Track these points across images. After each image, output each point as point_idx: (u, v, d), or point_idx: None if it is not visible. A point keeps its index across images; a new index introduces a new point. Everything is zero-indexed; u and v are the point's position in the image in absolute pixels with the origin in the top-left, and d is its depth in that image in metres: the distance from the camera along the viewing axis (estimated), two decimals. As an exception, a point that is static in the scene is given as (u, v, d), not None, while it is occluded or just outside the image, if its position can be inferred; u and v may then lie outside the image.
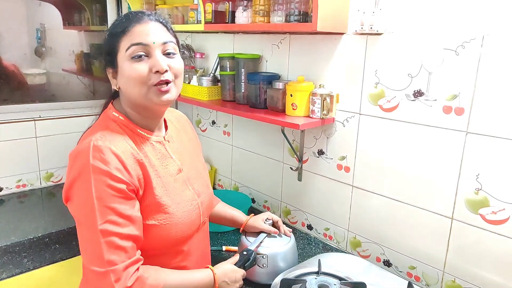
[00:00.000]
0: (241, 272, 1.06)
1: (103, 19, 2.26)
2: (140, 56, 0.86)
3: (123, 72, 0.88)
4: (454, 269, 1.19)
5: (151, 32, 0.87)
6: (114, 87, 0.93)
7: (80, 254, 1.43)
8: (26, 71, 2.09)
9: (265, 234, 1.27)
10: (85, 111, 2.16)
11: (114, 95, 0.99)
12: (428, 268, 1.25)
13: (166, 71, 0.87)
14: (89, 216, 0.80)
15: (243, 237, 1.27)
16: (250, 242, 1.22)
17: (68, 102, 2.15)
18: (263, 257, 1.19)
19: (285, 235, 1.29)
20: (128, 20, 0.88)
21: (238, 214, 1.31)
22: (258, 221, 1.28)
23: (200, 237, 1.07)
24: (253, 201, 1.87)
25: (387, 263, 1.37)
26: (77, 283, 1.04)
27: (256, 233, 1.28)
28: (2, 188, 1.94)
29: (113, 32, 0.89)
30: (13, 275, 1.49)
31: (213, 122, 2.02)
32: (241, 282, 1.06)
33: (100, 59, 0.94)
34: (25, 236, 1.53)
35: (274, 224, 1.31)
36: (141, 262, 0.86)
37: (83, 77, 2.34)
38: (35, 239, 1.55)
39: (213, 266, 1.02)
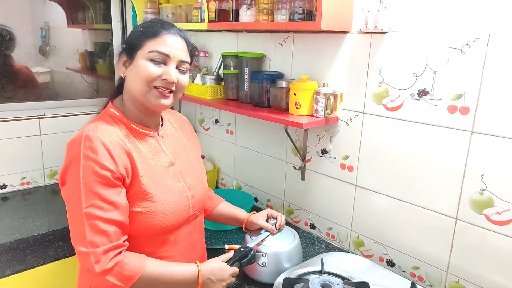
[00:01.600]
0: (230, 270, 1.05)
1: (107, 17, 2.27)
2: (157, 61, 0.95)
3: (136, 67, 0.95)
4: (458, 270, 1.18)
5: (175, 46, 0.97)
6: (120, 74, 1.00)
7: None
8: (31, 70, 2.10)
9: (268, 233, 1.26)
10: (89, 109, 2.17)
11: (114, 95, 1.06)
12: (431, 268, 1.25)
13: (173, 82, 0.96)
14: (75, 199, 0.87)
15: (247, 235, 1.27)
16: (252, 240, 1.22)
17: (72, 100, 2.16)
18: (262, 255, 1.18)
19: (278, 228, 1.28)
20: (162, 27, 0.97)
21: (240, 212, 1.32)
22: (258, 218, 1.29)
23: (189, 229, 1.09)
24: (256, 200, 1.87)
25: (390, 263, 1.36)
26: (80, 281, 1.04)
27: (260, 231, 1.27)
28: (6, 185, 1.95)
29: (145, 31, 0.97)
30: (17, 272, 1.50)
31: (216, 121, 2.02)
32: (230, 281, 1.05)
33: (122, 44, 1.01)
34: (29, 234, 1.54)
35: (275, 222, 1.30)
36: (125, 248, 0.90)
37: (87, 75, 2.35)
38: (39, 237, 1.55)
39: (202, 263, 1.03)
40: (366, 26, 1.27)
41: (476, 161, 1.10)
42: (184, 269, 0.98)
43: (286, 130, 1.53)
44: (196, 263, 1.01)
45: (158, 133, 1.06)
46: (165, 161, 1.04)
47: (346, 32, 1.35)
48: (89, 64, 2.34)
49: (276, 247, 1.21)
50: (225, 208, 1.33)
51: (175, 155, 1.08)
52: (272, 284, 1.14)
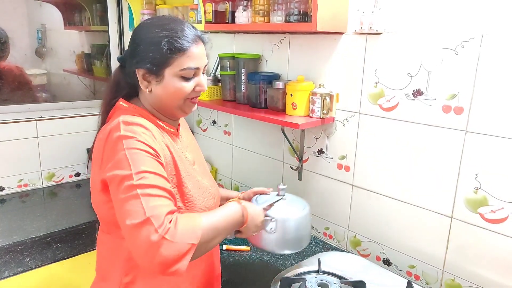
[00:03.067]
0: (262, 217, 1.02)
1: (104, 19, 2.27)
2: (189, 76, 0.94)
3: (169, 86, 0.92)
4: (454, 268, 1.20)
5: (201, 55, 0.95)
6: (144, 89, 0.94)
7: (82, 253, 1.43)
8: (27, 71, 2.10)
9: (280, 197, 1.13)
10: (86, 111, 2.17)
11: (120, 93, 0.99)
12: (427, 267, 1.26)
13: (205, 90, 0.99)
14: (123, 176, 0.80)
15: (253, 198, 1.15)
16: (258, 203, 1.10)
17: (69, 102, 2.15)
18: (272, 220, 1.06)
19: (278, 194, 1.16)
20: (189, 38, 0.92)
21: (231, 192, 1.27)
22: (250, 190, 1.21)
23: None
24: (254, 200, 1.88)
25: (387, 262, 1.37)
26: (78, 281, 1.05)
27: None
28: (3, 187, 1.95)
29: (172, 47, 0.90)
30: (15, 274, 1.51)
31: (214, 122, 2.02)
32: (261, 229, 1.03)
33: (140, 55, 0.92)
34: (27, 236, 1.54)
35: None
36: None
37: (83, 77, 2.35)
38: (36, 238, 1.55)
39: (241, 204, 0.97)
40: (361, 27, 1.28)
41: (470, 160, 1.12)
42: (230, 211, 0.94)
43: (283, 131, 1.54)
44: (237, 201, 0.98)
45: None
46: (190, 160, 1.03)
47: (341, 33, 1.36)
48: (86, 66, 2.34)
49: (286, 213, 1.10)
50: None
51: (193, 155, 1.08)
52: (275, 255, 1.12)
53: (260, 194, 1.17)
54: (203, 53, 0.97)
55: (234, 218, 0.93)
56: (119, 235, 0.88)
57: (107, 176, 0.83)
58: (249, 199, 1.16)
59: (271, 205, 1.10)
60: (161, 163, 0.86)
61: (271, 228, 1.07)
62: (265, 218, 1.05)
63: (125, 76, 0.97)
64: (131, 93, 0.99)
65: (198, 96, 0.99)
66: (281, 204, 1.12)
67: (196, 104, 1.00)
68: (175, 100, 0.94)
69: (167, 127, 1.00)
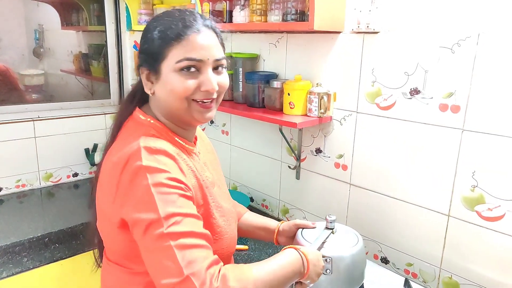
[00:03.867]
0: (322, 263, 0.89)
1: (101, 19, 2.27)
2: (189, 70, 0.78)
3: (166, 82, 0.78)
4: (451, 266, 1.20)
5: (207, 45, 0.78)
6: (148, 91, 0.83)
7: (80, 253, 1.40)
8: (24, 72, 2.10)
9: (329, 231, 1.02)
10: (83, 111, 2.17)
11: (140, 99, 0.87)
12: (425, 265, 1.26)
13: (215, 91, 0.80)
14: (151, 221, 0.68)
15: (299, 233, 1.04)
16: (308, 242, 0.98)
17: (67, 102, 2.15)
18: (326, 260, 0.93)
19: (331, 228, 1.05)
20: (184, 25, 0.77)
21: (269, 221, 1.11)
22: (291, 222, 1.08)
23: (234, 254, 0.99)
24: (252, 200, 1.88)
25: (385, 260, 1.38)
26: (76, 282, 1.04)
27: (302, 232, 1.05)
28: (1, 188, 1.94)
29: (165, 36, 0.77)
30: (13, 274, 1.50)
31: (212, 122, 2.02)
32: (321, 273, 0.89)
33: (141, 54, 0.82)
34: (25, 236, 1.54)
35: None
36: (222, 263, 0.71)
37: (81, 77, 2.35)
38: (34, 239, 1.55)
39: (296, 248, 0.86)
40: (359, 26, 1.28)
41: (467, 158, 1.12)
42: (289, 260, 0.80)
43: (280, 130, 1.54)
44: (294, 248, 0.84)
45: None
46: (211, 181, 0.89)
47: (338, 32, 1.37)
48: (83, 66, 2.34)
49: (338, 250, 0.98)
50: (252, 217, 1.13)
51: (214, 172, 0.94)
52: None
53: (303, 228, 1.05)
54: (211, 44, 0.79)
55: (294, 268, 0.79)
56: (134, 270, 0.79)
57: (130, 218, 0.71)
58: (290, 232, 1.05)
59: (323, 243, 0.98)
60: (191, 198, 0.74)
61: (327, 270, 0.94)
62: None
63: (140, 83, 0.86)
64: (146, 101, 0.88)
65: (210, 98, 0.80)
66: (331, 239, 1.01)
67: (211, 111, 0.82)
68: (176, 101, 0.79)
69: (186, 145, 0.85)
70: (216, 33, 0.82)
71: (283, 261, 0.79)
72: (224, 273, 0.68)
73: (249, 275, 0.70)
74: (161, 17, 0.81)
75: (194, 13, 0.81)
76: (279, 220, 1.18)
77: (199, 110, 0.81)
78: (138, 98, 0.88)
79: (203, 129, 2.09)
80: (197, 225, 0.71)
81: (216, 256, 0.70)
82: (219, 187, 0.93)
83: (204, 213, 0.80)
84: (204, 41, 0.78)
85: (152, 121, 0.83)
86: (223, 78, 0.83)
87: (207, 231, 0.72)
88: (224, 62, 0.83)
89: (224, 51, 0.84)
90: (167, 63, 0.78)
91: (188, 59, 0.76)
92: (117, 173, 0.73)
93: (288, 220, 1.11)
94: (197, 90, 0.78)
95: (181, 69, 0.77)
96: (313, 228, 1.05)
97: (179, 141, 0.84)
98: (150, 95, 0.83)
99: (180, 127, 0.86)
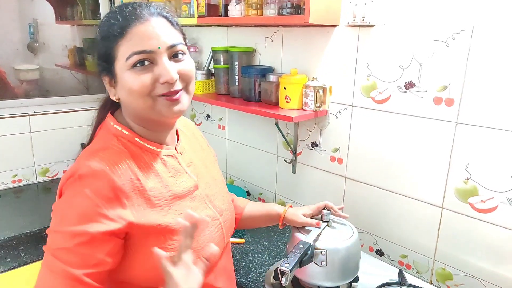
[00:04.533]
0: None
1: (96, 13, 2.25)
2: (143, 64, 0.71)
3: (123, 84, 0.73)
4: (444, 257, 1.22)
5: (155, 33, 0.71)
6: (112, 97, 0.78)
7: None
8: (19, 66, 2.08)
9: (324, 224, 1.06)
10: (79, 106, 2.16)
11: (113, 104, 0.82)
12: (419, 256, 1.28)
13: (176, 79, 0.73)
14: (55, 239, 0.69)
15: (295, 228, 1.07)
16: (304, 235, 1.02)
17: (62, 97, 2.14)
18: (321, 253, 0.97)
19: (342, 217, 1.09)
20: (124, 18, 0.71)
21: (272, 206, 1.12)
22: (298, 214, 1.07)
23: (225, 261, 0.91)
24: (248, 193, 1.89)
25: (380, 252, 1.39)
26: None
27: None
28: (-3, 183, 1.94)
29: (108, 35, 0.72)
30: (10, 269, 1.51)
31: (208, 116, 2.02)
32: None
33: (96, 62, 0.77)
34: (22, 231, 1.54)
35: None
36: None
37: (76, 72, 2.33)
38: (31, 233, 1.55)
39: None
40: (354, 20, 1.29)
41: (460, 151, 1.13)
42: None
43: (276, 124, 1.55)
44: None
45: (176, 149, 0.85)
46: (189, 185, 0.83)
47: (334, 26, 1.37)
48: (78, 60, 2.33)
49: (334, 242, 1.00)
50: (253, 208, 1.12)
51: (198, 174, 0.87)
52: None
53: (307, 226, 1.06)
54: (161, 31, 0.72)
55: None
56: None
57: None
58: (292, 223, 1.07)
59: (319, 235, 1.01)
60: (105, 240, 0.68)
61: (322, 262, 0.98)
62: (315, 251, 0.97)
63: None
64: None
65: (175, 89, 0.73)
66: (327, 232, 1.05)
67: (179, 103, 0.75)
68: (137, 100, 0.73)
69: (157, 149, 0.80)
70: (166, 18, 0.75)
71: None
72: None
73: None
74: (104, 18, 0.75)
75: (136, 3, 0.74)
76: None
77: (166, 104, 0.74)
78: (110, 104, 0.83)
79: (199, 124, 2.09)
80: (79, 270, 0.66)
81: None
82: (207, 187, 0.89)
83: (153, 225, 0.74)
84: (151, 30, 0.71)
85: (119, 128, 0.79)
86: (185, 65, 0.75)
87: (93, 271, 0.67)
88: (182, 47, 0.75)
89: (183, 36, 0.78)
90: (119, 64, 0.72)
91: (136, 53, 0.70)
92: (62, 182, 0.73)
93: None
94: (156, 84, 0.72)
95: (134, 66, 0.71)
96: (317, 228, 1.05)
97: (150, 146, 0.79)
98: (116, 101, 0.79)
99: (151, 130, 0.80)
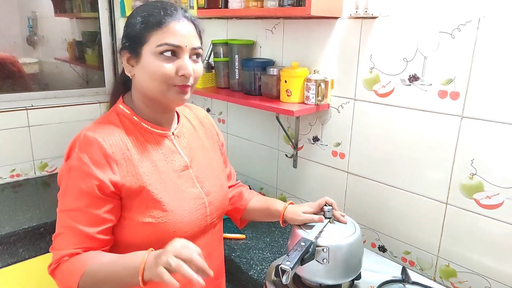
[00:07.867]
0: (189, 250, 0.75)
1: (95, 5, 2.22)
2: (169, 55, 0.85)
3: (146, 66, 0.85)
4: (448, 254, 1.20)
5: (185, 33, 0.86)
6: (127, 73, 0.90)
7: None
8: (19, 60, 2.06)
9: (326, 221, 1.04)
10: (78, 100, 2.14)
11: (122, 90, 0.96)
12: (422, 253, 1.26)
13: (191, 76, 0.87)
14: (60, 197, 0.87)
15: (294, 226, 1.06)
16: (305, 231, 1.00)
17: (61, 90, 2.12)
18: (323, 250, 0.96)
19: (340, 221, 1.06)
20: (165, 13, 0.85)
21: (273, 202, 1.13)
22: (299, 211, 1.07)
23: (207, 239, 0.98)
24: (249, 188, 1.87)
25: (382, 249, 1.37)
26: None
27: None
28: (-4, 178, 1.93)
29: (147, 21, 0.85)
30: (8, 264, 1.50)
31: (208, 110, 2.00)
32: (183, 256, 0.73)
33: (122, 39, 0.89)
34: (20, 226, 1.53)
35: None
36: (67, 259, 0.84)
37: (75, 65, 2.31)
38: (30, 229, 1.54)
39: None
40: (357, 11, 1.25)
41: (466, 146, 1.10)
42: (127, 255, 0.81)
43: (277, 118, 1.52)
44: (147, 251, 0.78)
45: (173, 132, 0.96)
46: (179, 164, 0.94)
47: (336, 18, 1.34)
48: (77, 54, 2.30)
49: (336, 239, 0.98)
50: (257, 202, 1.16)
51: (192, 156, 0.98)
52: (331, 286, 1.01)
53: (309, 223, 1.05)
54: (190, 33, 0.87)
55: (126, 261, 0.79)
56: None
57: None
58: (293, 221, 1.06)
59: (321, 232, 1.00)
60: (102, 199, 0.83)
61: (323, 259, 0.96)
62: (317, 248, 0.96)
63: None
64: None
65: (187, 83, 0.87)
66: (328, 228, 1.02)
67: (187, 94, 0.89)
68: (156, 83, 0.85)
69: (152, 129, 0.92)
70: (194, 24, 0.90)
71: (120, 257, 0.81)
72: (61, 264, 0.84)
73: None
74: (145, 6, 0.89)
75: (175, 5, 0.90)
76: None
77: (178, 92, 0.87)
78: (121, 89, 0.96)
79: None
80: (83, 226, 0.83)
81: (70, 251, 0.83)
82: (198, 169, 0.98)
83: (139, 192, 0.87)
84: (183, 30, 0.86)
85: (121, 107, 0.92)
86: (198, 67, 0.90)
87: (91, 231, 0.83)
88: (201, 51, 0.90)
89: (201, 43, 0.92)
90: (148, 47, 0.85)
91: (167, 43, 0.84)
92: (66, 152, 0.87)
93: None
94: (175, 75, 0.85)
95: (161, 53, 0.84)
96: (329, 220, 1.05)
97: (146, 125, 0.92)
98: (130, 77, 0.90)
99: (154, 110, 0.92)
